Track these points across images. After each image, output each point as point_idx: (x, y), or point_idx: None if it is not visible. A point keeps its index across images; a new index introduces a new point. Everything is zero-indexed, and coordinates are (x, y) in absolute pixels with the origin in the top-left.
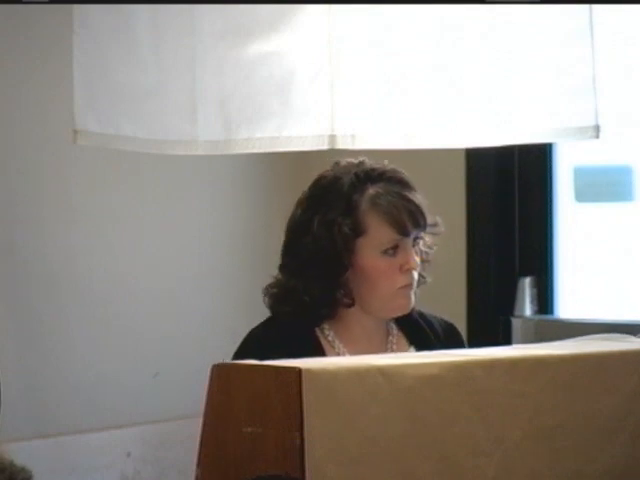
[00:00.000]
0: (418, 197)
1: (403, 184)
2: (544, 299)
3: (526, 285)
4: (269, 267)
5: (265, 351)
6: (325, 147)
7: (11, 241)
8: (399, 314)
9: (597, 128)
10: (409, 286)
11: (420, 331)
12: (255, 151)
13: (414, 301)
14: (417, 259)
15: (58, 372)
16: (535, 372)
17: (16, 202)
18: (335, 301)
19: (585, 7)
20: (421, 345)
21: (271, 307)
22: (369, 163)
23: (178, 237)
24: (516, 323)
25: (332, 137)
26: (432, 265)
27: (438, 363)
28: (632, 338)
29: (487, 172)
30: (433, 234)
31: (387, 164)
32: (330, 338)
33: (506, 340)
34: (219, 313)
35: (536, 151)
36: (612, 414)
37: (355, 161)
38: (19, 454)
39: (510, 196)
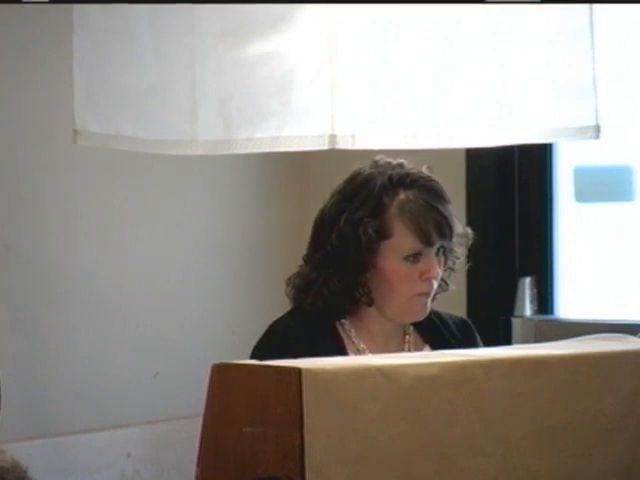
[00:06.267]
0: (448, 208)
1: (435, 194)
2: (544, 299)
3: (526, 285)
4: (269, 267)
5: (287, 342)
6: (325, 147)
7: (11, 241)
8: (413, 320)
9: (597, 128)
10: (426, 294)
11: (435, 330)
12: (255, 151)
13: (430, 308)
14: (438, 269)
15: (58, 372)
16: (535, 372)
17: (16, 202)
18: (354, 299)
19: (585, 7)
20: (436, 344)
21: (294, 298)
22: (406, 167)
23: (178, 237)
24: (516, 323)
25: (332, 137)
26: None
27: (438, 363)
28: (632, 338)
29: (487, 172)
30: (461, 244)
31: (424, 171)
32: (350, 334)
33: (506, 340)
34: (219, 313)
35: (536, 151)
36: (612, 414)
37: (393, 162)
38: (19, 454)
39: (510, 196)
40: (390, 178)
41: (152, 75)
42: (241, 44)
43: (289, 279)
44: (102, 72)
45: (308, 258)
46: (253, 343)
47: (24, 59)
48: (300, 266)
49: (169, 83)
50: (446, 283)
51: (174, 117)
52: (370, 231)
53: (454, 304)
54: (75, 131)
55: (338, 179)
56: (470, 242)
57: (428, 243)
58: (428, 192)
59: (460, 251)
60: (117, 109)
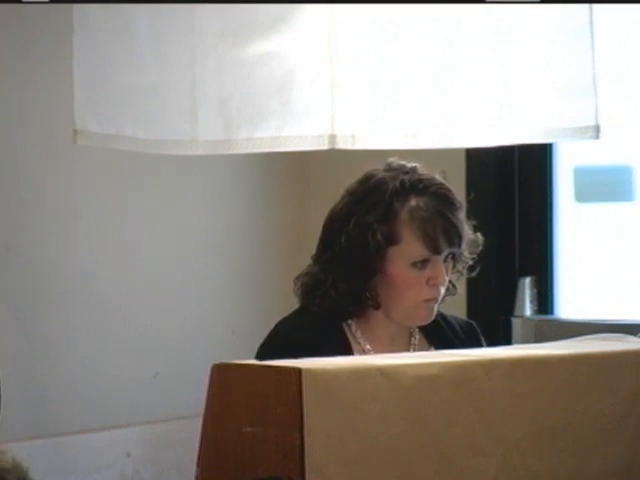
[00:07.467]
0: (459, 216)
1: (446, 201)
2: (544, 299)
3: (526, 285)
4: (269, 267)
5: (293, 342)
6: (325, 147)
7: (11, 241)
8: (419, 324)
9: (597, 128)
10: (433, 300)
11: (440, 332)
12: (255, 151)
13: (436, 313)
14: (446, 275)
15: (58, 372)
16: (535, 372)
17: (16, 202)
18: (361, 301)
19: (585, 7)
20: (441, 346)
21: (301, 296)
22: (419, 172)
23: (178, 237)
24: (516, 323)
25: (332, 137)
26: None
27: (438, 363)
28: (632, 338)
29: (487, 172)
30: (471, 251)
31: (436, 177)
32: (356, 335)
33: (506, 340)
34: (219, 313)
35: (536, 151)
36: (612, 414)
37: (407, 165)
38: (19, 454)
39: (510, 196)
40: (402, 183)
41: (152, 75)
42: (241, 44)
43: (297, 278)
44: (102, 72)
45: (317, 258)
46: (253, 343)
47: (24, 59)
48: (309, 265)
49: (169, 83)
50: (454, 286)
51: (174, 117)
52: (379, 236)
53: (454, 304)
54: (75, 131)
55: (338, 179)
56: (480, 248)
57: (436, 251)
58: (439, 199)
59: (469, 256)
60: (117, 109)
